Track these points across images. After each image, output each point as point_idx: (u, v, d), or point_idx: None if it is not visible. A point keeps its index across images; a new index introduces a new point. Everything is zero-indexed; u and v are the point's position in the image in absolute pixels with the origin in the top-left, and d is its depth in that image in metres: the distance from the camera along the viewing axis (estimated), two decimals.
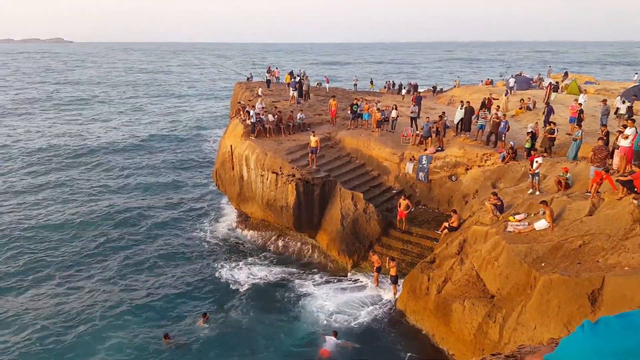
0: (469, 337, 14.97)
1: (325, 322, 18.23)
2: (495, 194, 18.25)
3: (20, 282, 21.27)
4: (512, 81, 39.35)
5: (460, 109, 25.80)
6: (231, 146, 26.18)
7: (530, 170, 18.53)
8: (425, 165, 24.20)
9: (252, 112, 26.48)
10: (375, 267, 20.11)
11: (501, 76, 42.23)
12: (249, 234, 25.95)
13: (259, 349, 16.92)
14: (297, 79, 37.83)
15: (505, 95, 33.55)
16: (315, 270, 22.30)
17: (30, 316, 18.60)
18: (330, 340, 16.63)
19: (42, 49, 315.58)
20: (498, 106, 28.85)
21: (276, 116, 27.88)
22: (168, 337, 17.26)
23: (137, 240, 25.86)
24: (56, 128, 53.05)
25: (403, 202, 21.98)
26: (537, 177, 18.30)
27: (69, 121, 57.60)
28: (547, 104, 29.00)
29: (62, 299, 19.98)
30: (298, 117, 28.82)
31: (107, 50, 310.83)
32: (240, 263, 22.98)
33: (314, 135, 23.85)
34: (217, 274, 22.00)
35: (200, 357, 16.49)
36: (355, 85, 53.24)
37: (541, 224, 15.31)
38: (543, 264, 13.68)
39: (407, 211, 21.99)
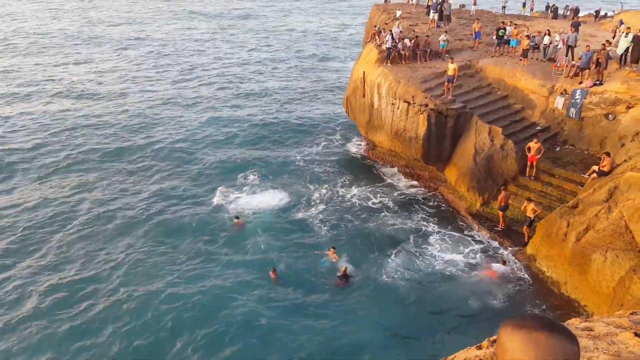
0: (607, 290, 14.31)
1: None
2: None
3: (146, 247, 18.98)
4: None
5: (625, 36, 22.11)
6: (364, 72, 25.70)
7: None
8: (578, 101, 21.59)
9: (388, 37, 25.35)
10: (499, 205, 19.10)
11: None
12: (375, 163, 25.91)
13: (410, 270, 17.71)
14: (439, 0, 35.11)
15: None
16: (441, 204, 21.85)
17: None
18: (499, 266, 17.34)
19: None
20: None
21: (413, 41, 26.50)
22: (275, 273, 16.75)
23: (264, 155, 27.13)
24: None
25: (534, 146, 19.66)
26: None
27: None
28: None
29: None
30: (441, 41, 27.03)
31: None
32: (363, 190, 23.18)
33: (452, 63, 22.24)
34: (340, 198, 22.47)
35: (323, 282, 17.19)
36: (504, 7, 48.25)
37: None
38: None
39: (538, 156, 19.80)
